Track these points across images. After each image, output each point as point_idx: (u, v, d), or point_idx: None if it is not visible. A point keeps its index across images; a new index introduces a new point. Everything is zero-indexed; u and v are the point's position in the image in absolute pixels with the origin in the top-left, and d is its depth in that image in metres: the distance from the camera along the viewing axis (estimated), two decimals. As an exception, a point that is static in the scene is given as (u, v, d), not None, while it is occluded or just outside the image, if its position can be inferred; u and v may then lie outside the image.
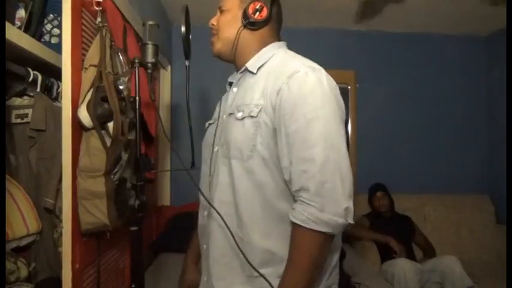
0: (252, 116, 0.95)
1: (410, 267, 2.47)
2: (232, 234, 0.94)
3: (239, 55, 1.07)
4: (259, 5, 1.02)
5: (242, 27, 1.04)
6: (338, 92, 0.99)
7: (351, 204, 0.88)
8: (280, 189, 0.94)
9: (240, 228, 0.96)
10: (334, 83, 0.99)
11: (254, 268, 0.91)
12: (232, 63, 1.11)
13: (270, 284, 0.90)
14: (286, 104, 0.91)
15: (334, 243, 0.96)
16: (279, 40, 1.10)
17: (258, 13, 1.03)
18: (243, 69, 1.07)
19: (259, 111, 0.94)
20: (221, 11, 1.09)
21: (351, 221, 0.88)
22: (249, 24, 1.03)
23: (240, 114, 0.97)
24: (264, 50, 1.06)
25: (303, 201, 0.87)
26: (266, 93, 0.95)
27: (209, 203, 0.99)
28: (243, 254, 0.92)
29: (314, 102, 0.90)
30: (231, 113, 1.01)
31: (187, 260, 1.25)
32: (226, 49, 1.07)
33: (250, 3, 1.03)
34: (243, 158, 0.95)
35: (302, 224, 0.86)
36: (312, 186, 0.86)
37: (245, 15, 1.03)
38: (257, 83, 1.00)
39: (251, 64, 1.05)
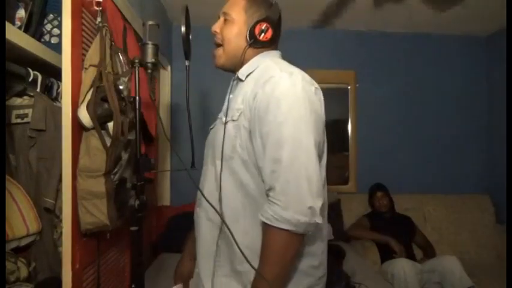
0: (233, 120, 1.01)
1: (410, 267, 2.47)
2: (229, 229, 0.96)
3: (240, 66, 1.11)
4: (264, 25, 1.06)
5: (248, 46, 1.08)
6: (316, 96, 1.01)
7: (317, 203, 0.90)
8: (260, 189, 0.97)
9: (223, 225, 1.00)
10: (313, 87, 1.01)
11: (247, 261, 0.93)
12: (233, 72, 1.15)
13: (262, 277, 0.92)
14: (260, 106, 0.95)
15: (310, 244, 1.01)
16: (275, 49, 1.14)
17: (263, 34, 1.07)
18: (235, 77, 1.12)
19: (239, 115, 1.00)
20: (225, 20, 1.10)
21: (318, 220, 0.90)
22: (254, 43, 1.07)
23: (225, 119, 1.04)
24: (254, 59, 1.10)
25: (270, 200, 0.91)
26: (246, 98, 1.00)
27: (207, 201, 1.01)
28: (238, 247, 0.94)
29: (285, 105, 0.93)
30: (220, 118, 1.08)
31: (184, 252, 1.30)
32: (230, 62, 1.11)
33: (257, 23, 1.06)
34: (226, 159, 1.01)
35: (267, 222, 0.90)
36: (277, 185, 0.90)
37: (251, 35, 1.06)
38: (243, 90, 1.05)
39: (241, 72, 1.10)
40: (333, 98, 3.45)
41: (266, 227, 0.91)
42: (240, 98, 1.03)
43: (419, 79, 3.52)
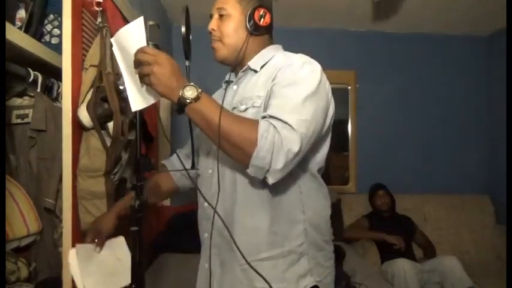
0: (254, 106, 1.01)
1: (410, 267, 2.48)
2: (225, 225, 0.96)
3: (242, 58, 1.11)
4: (262, 11, 1.07)
5: (249, 35, 1.08)
6: (329, 89, 1.04)
7: (301, 149, 0.89)
8: None
9: (239, 215, 1.01)
10: (328, 82, 1.04)
11: (243, 256, 0.94)
12: (235, 65, 1.15)
13: (268, 283, 0.92)
14: (277, 84, 0.97)
15: (317, 220, 1.06)
16: (273, 42, 1.17)
17: (262, 19, 1.07)
18: (245, 68, 1.12)
19: (261, 102, 1.00)
20: (220, 16, 1.11)
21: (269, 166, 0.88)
22: (255, 30, 1.08)
23: (243, 107, 1.03)
24: (264, 51, 1.12)
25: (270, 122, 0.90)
26: (266, 85, 1.01)
27: (206, 200, 1.01)
28: (234, 241, 0.94)
29: (305, 85, 0.96)
30: (234, 107, 1.05)
31: (111, 210, 1.23)
32: (232, 55, 1.11)
33: (255, 9, 1.07)
34: None
35: (268, 119, 0.90)
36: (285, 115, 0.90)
37: (251, 21, 1.07)
38: (260, 79, 1.06)
39: (254, 63, 1.10)
40: (333, 98, 3.44)
41: (263, 119, 0.91)
42: (259, 87, 1.04)
43: (419, 79, 3.52)
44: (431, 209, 3.27)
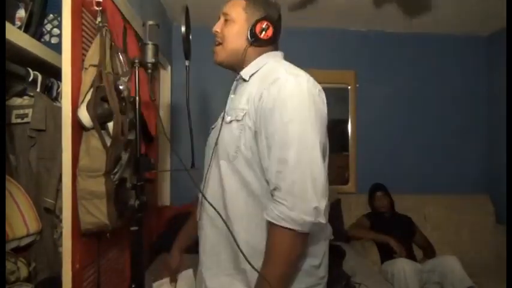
0: (237, 120, 1.01)
1: (411, 267, 2.47)
2: (229, 228, 0.97)
3: (240, 65, 1.11)
4: (265, 24, 1.07)
5: (248, 45, 1.08)
6: (320, 97, 1.01)
7: (322, 204, 0.91)
8: (264, 188, 0.98)
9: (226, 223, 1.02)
10: (317, 89, 1.02)
11: (247, 260, 0.94)
12: (233, 70, 1.16)
13: (264, 278, 0.92)
14: (266, 107, 0.96)
15: (312, 244, 1.01)
16: (276, 49, 1.15)
17: (264, 32, 1.07)
18: (238, 77, 1.12)
19: (243, 115, 1.00)
20: (226, 20, 1.11)
21: (322, 220, 0.91)
22: (255, 41, 1.08)
23: (228, 118, 1.04)
24: (258, 59, 1.10)
25: (276, 200, 0.91)
26: (251, 99, 1.01)
27: (207, 200, 1.01)
28: (238, 247, 0.95)
29: (291, 105, 0.94)
30: (223, 117, 1.07)
31: (174, 246, 1.39)
32: (230, 60, 1.12)
33: (258, 22, 1.07)
34: (229, 159, 1.01)
35: (273, 221, 0.90)
36: (283, 185, 0.90)
37: (252, 33, 1.07)
38: (247, 90, 1.06)
39: (245, 72, 1.10)
40: (333, 98, 3.45)
41: (272, 227, 0.91)
42: (244, 98, 1.04)
43: (419, 79, 3.52)
44: (431, 209, 3.27)
